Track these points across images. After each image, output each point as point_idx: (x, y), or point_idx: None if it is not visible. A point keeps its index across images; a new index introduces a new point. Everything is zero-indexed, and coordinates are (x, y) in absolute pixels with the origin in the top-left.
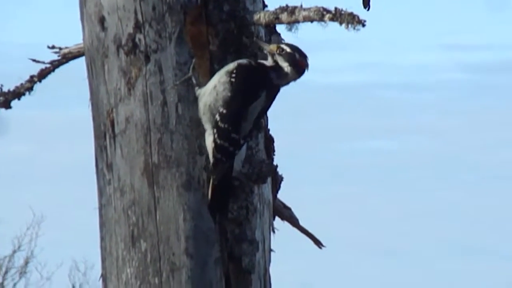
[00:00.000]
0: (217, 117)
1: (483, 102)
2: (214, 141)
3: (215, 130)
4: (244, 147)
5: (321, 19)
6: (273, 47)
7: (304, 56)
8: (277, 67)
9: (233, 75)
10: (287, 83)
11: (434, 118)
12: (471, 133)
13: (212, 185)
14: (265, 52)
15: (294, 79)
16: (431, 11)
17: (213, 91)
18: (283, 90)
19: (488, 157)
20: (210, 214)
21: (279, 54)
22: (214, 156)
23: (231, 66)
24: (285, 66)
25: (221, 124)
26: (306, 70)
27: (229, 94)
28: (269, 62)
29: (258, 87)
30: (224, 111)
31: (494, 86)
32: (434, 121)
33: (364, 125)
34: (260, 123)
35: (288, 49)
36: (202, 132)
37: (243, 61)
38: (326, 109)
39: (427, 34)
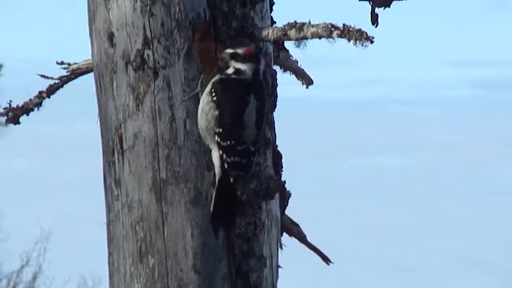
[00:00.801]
0: (217, 138)
1: (490, 117)
2: (225, 160)
3: (221, 151)
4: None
5: (329, 35)
6: (224, 55)
7: (245, 46)
8: (237, 70)
9: (213, 93)
10: (259, 74)
11: (442, 133)
12: (479, 148)
13: (214, 200)
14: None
15: (258, 68)
16: (438, 27)
17: (202, 114)
18: (291, 105)
19: (495, 172)
20: (212, 228)
21: (231, 59)
22: (230, 174)
23: (208, 86)
24: (240, 65)
25: (223, 143)
26: (258, 55)
27: (216, 112)
28: (230, 70)
29: (242, 94)
30: (221, 130)
31: (501, 102)
32: (441, 137)
33: (372, 141)
34: (268, 139)
35: (230, 51)
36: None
37: (216, 77)
38: (334, 125)
39: (434, 50)
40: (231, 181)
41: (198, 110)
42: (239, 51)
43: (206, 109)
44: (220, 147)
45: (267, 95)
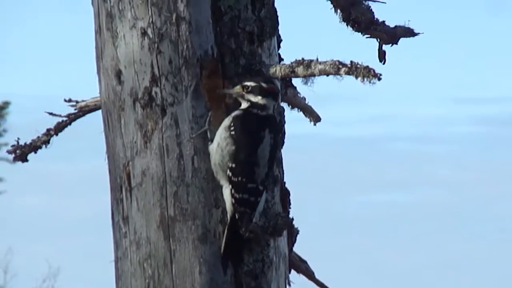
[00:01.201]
0: (229, 172)
1: (497, 154)
2: (233, 195)
3: (231, 186)
4: (264, 198)
5: (337, 72)
6: (237, 89)
7: (269, 82)
8: (254, 104)
9: (232, 128)
10: (273, 110)
11: (448, 170)
12: (486, 185)
13: (226, 236)
14: (234, 97)
15: (274, 105)
16: (443, 65)
17: (218, 149)
18: (298, 142)
19: (503, 209)
20: (222, 265)
21: (248, 92)
22: (236, 210)
23: (227, 121)
24: (259, 99)
25: (234, 179)
26: (279, 92)
27: (233, 147)
28: (244, 105)
29: (258, 129)
30: (234, 165)
31: (507, 138)
32: (448, 174)
33: (379, 178)
34: (276, 176)
35: (252, 84)
36: (219, 186)
37: (236, 112)
38: (341, 162)
39: (440, 87)
40: (236, 217)
41: (211, 145)
42: (264, 85)
43: (223, 145)
44: (231, 182)
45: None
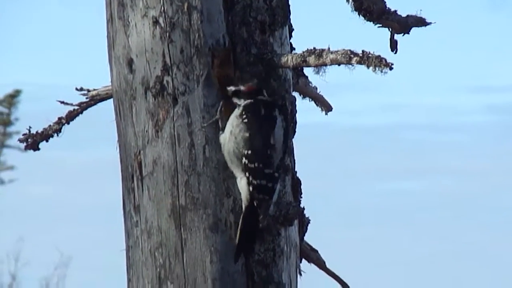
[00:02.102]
0: (245, 160)
1: (510, 143)
2: (251, 183)
3: (247, 173)
4: (278, 188)
5: (348, 62)
6: (229, 93)
7: (247, 82)
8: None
9: (244, 115)
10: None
11: (461, 159)
12: (498, 174)
13: (241, 226)
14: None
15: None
16: (458, 53)
17: (231, 137)
18: (309, 131)
19: None
20: (234, 255)
21: (233, 97)
22: (254, 197)
23: (237, 110)
24: (243, 102)
25: (251, 165)
26: (257, 89)
27: (247, 134)
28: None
29: (270, 112)
30: (250, 152)
31: None
32: (461, 163)
33: (391, 167)
34: (288, 166)
35: (232, 88)
36: (230, 175)
37: (246, 102)
38: (353, 151)
39: (453, 75)
40: (255, 204)
41: (222, 135)
42: (242, 88)
43: (236, 132)
44: (247, 169)
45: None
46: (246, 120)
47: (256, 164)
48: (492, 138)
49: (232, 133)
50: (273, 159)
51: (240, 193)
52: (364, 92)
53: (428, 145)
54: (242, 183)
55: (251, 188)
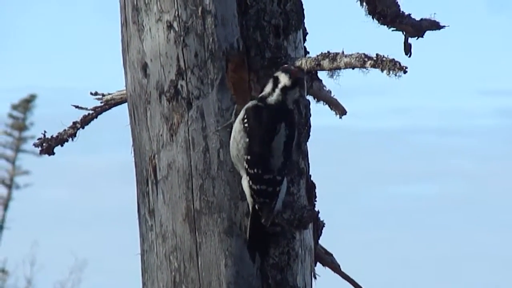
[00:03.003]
0: (245, 164)
1: None
2: (251, 187)
3: (248, 177)
4: (285, 185)
5: (362, 65)
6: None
7: (287, 71)
8: (269, 92)
9: (245, 121)
10: (294, 100)
11: (473, 162)
12: (509, 177)
13: (250, 227)
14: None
15: (295, 94)
16: (468, 57)
17: (233, 142)
18: (324, 135)
19: None
20: (249, 254)
21: (273, 84)
22: (255, 201)
23: (241, 113)
24: (274, 89)
25: (251, 170)
26: (301, 77)
27: (247, 140)
28: (272, 98)
29: (273, 122)
30: (249, 157)
31: None
32: (473, 166)
33: (404, 170)
34: (302, 169)
35: (275, 74)
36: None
37: (250, 104)
38: (366, 154)
39: (464, 79)
40: (256, 208)
41: (231, 138)
42: (292, 67)
43: (238, 138)
44: (248, 174)
45: (300, 125)
46: (246, 125)
47: (255, 170)
48: (502, 141)
49: (235, 139)
50: (272, 165)
51: None
52: (378, 95)
53: (440, 148)
54: (244, 184)
55: (252, 192)
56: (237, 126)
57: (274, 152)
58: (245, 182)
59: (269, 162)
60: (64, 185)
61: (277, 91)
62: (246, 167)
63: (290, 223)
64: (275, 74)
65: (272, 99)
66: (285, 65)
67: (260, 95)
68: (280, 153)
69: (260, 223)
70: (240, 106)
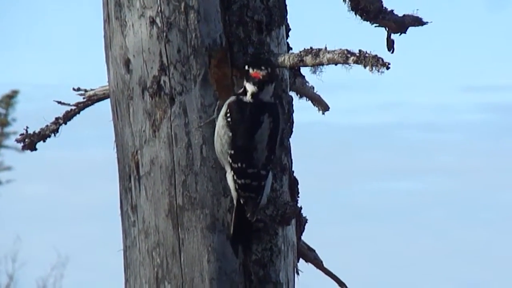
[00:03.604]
0: (229, 159)
1: (505, 142)
2: (235, 181)
3: (232, 172)
4: (270, 179)
5: (345, 61)
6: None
7: (259, 67)
8: (244, 89)
9: (228, 115)
10: (272, 94)
11: (456, 158)
12: (494, 173)
13: (234, 221)
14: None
15: (260, 91)
16: (451, 52)
17: (217, 137)
18: (307, 131)
19: (509, 197)
20: (232, 249)
21: (245, 75)
22: (240, 195)
23: (223, 108)
24: (246, 85)
25: (234, 165)
26: (266, 80)
27: (230, 134)
28: (247, 97)
29: (256, 115)
30: (232, 152)
31: None
32: (456, 162)
33: (387, 166)
34: (285, 165)
35: (247, 68)
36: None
37: (232, 98)
38: (349, 150)
39: (447, 74)
40: (241, 202)
41: (214, 134)
42: (251, 70)
43: (221, 133)
44: (232, 168)
45: (283, 121)
46: (229, 120)
47: (239, 164)
48: (487, 136)
49: (218, 134)
50: (255, 160)
51: None
52: (360, 91)
53: (424, 144)
54: (229, 178)
55: (236, 186)
56: (220, 121)
57: (257, 145)
58: (229, 177)
59: (253, 156)
60: (47, 181)
61: (249, 96)
62: (230, 161)
63: (273, 219)
64: (244, 80)
65: (248, 98)
66: (248, 69)
67: (238, 92)
68: (264, 147)
69: (244, 218)
70: (222, 101)
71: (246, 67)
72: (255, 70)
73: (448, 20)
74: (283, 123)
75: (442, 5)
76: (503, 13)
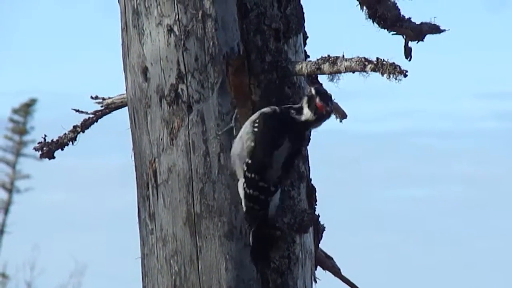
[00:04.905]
0: (244, 166)
1: None
2: (244, 189)
3: (244, 180)
4: (277, 196)
5: (363, 69)
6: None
7: (326, 102)
8: (300, 108)
9: (256, 124)
10: (312, 126)
11: (471, 166)
12: (508, 181)
13: (252, 232)
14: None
15: (313, 122)
16: (467, 60)
17: (239, 141)
18: (324, 139)
19: None
20: (252, 262)
21: (305, 95)
22: (245, 204)
23: (255, 115)
24: (305, 107)
25: (248, 174)
26: (326, 116)
27: (252, 144)
28: (298, 104)
29: (280, 134)
30: (250, 161)
31: None
32: (471, 169)
33: (403, 173)
34: (302, 173)
35: (312, 91)
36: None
37: (267, 109)
38: (366, 158)
39: (463, 82)
40: (244, 210)
41: (237, 136)
42: (317, 100)
43: (245, 138)
44: (245, 176)
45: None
46: (256, 130)
47: (252, 175)
48: (502, 144)
49: (242, 138)
50: (268, 175)
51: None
52: (377, 99)
53: (439, 151)
54: (240, 185)
55: (245, 194)
56: (247, 126)
57: (273, 163)
58: (240, 183)
59: (266, 171)
60: (65, 189)
61: (303, 118)
62: (245, 169)
63: (291, 227)
64: (305, 101)
65: (300, 119)
66: (316, 96)
67: (292, 107)
68: (280, 166)
69: (263, 227)
70: (240, 110)
71: (314, 92)
72: (322, 102)
73: (467, 27)
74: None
75: (459, 13)
76: None
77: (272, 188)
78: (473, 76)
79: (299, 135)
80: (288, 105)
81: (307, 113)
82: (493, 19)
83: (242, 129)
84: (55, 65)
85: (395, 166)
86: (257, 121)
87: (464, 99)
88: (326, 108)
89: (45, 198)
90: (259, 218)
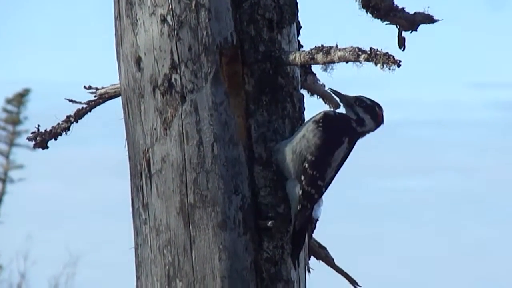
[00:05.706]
0: (306, 164)
1: None
2: (302, 187)
3: (303, 177)
4: (321, 200)
5: (356, 59)
6: (350, 99)
7: (382, 110)
8: (358, 118)
9: (320, 123)
10: (365, 134)
11: (467, 156)
12: (504, 171)
13: (294, 232)
14: (340, 102)
15: (372, 130)
16: (461, 49)
17: (303, 139)
18: None
19: None
20: (292, 262)
21: (359, 106)
22: (300, 202)
23: (318, 115)
24: (367, 118)
25: (309, 171)
26: (382, 123)
27: (318, 141)
28: (350, 114)
29: (342, 134)
30: (313, 158)
31: None
32: (467, 159)
33: (398, 163)
34: None
35: (368, 102)
36: (238, 173)
37: (329, 110)
38: (360, 148)
39: (457, 72)
40: (298, 208)
41: (296, 136)
42: (377, 109)
43: (309, 136)
44: (304, 173)
45: (294, 119)
46: (321, 129)
47: (314, 172)
48: (497, 134)
49: (305, 137)
50: (327, 174)
51: (290, 196)
52: (370, 88)
53: (434, 142)
54: (296, 188)
55: (301, 192)
56: (310, 125)
57: (333, 162)
58: (292, 183)
59: (326, 170)
60: (58, 179)
61: (362, 129)
62: (306, 166)
63: (284, 217)
64: (361, 111)
65: (359, 129)
66: (374, 107)
67: (343, 113)
68: (335, 166)
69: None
70: (234, 100)
71: (370, 103)
72: (381, 111)
73: (459, 17)
74: (294, 121)
75: (453, 2)
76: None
77: (323, 189)
78: (467, 66)
79: (354, 140)
80: (343, 113)
81: (370, 123)
82: (487, 8)
83: (304, 129)
84: (48, 55)
85: (389, 156)
86: (321, 120)
87: (459, 89)
88: (383, 115)
89: (38, 188)
90: (306, 219)
